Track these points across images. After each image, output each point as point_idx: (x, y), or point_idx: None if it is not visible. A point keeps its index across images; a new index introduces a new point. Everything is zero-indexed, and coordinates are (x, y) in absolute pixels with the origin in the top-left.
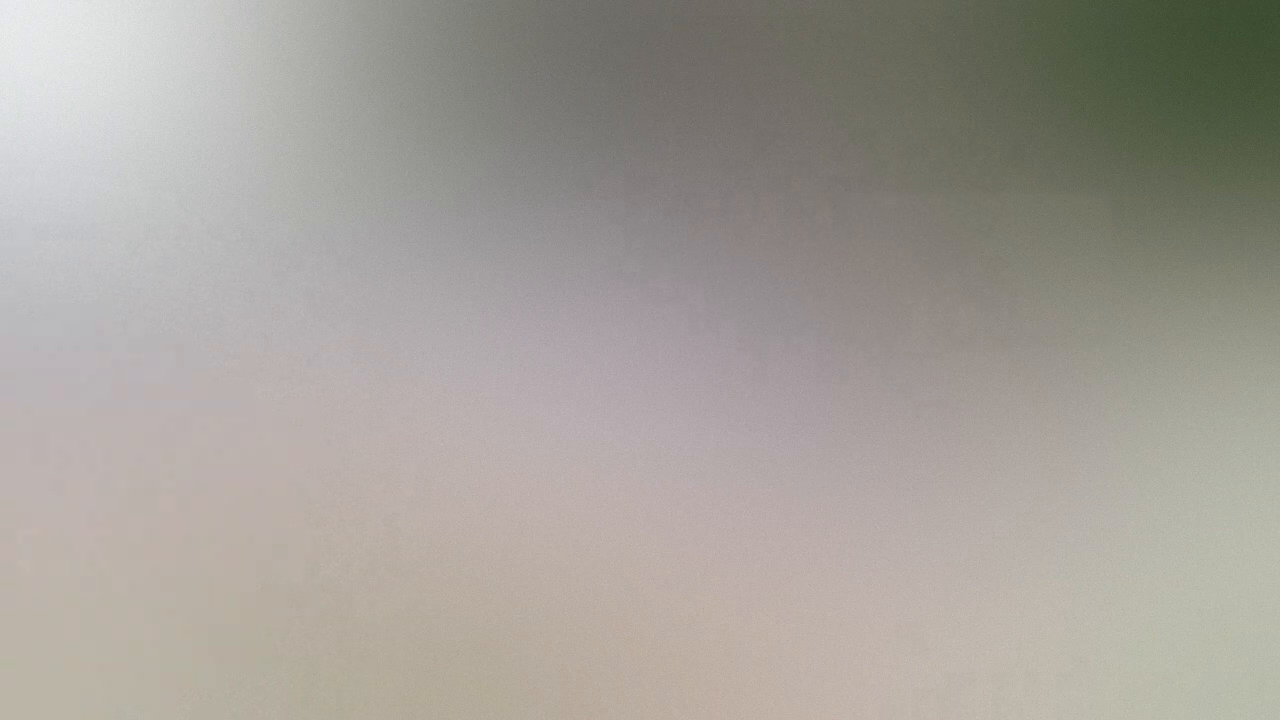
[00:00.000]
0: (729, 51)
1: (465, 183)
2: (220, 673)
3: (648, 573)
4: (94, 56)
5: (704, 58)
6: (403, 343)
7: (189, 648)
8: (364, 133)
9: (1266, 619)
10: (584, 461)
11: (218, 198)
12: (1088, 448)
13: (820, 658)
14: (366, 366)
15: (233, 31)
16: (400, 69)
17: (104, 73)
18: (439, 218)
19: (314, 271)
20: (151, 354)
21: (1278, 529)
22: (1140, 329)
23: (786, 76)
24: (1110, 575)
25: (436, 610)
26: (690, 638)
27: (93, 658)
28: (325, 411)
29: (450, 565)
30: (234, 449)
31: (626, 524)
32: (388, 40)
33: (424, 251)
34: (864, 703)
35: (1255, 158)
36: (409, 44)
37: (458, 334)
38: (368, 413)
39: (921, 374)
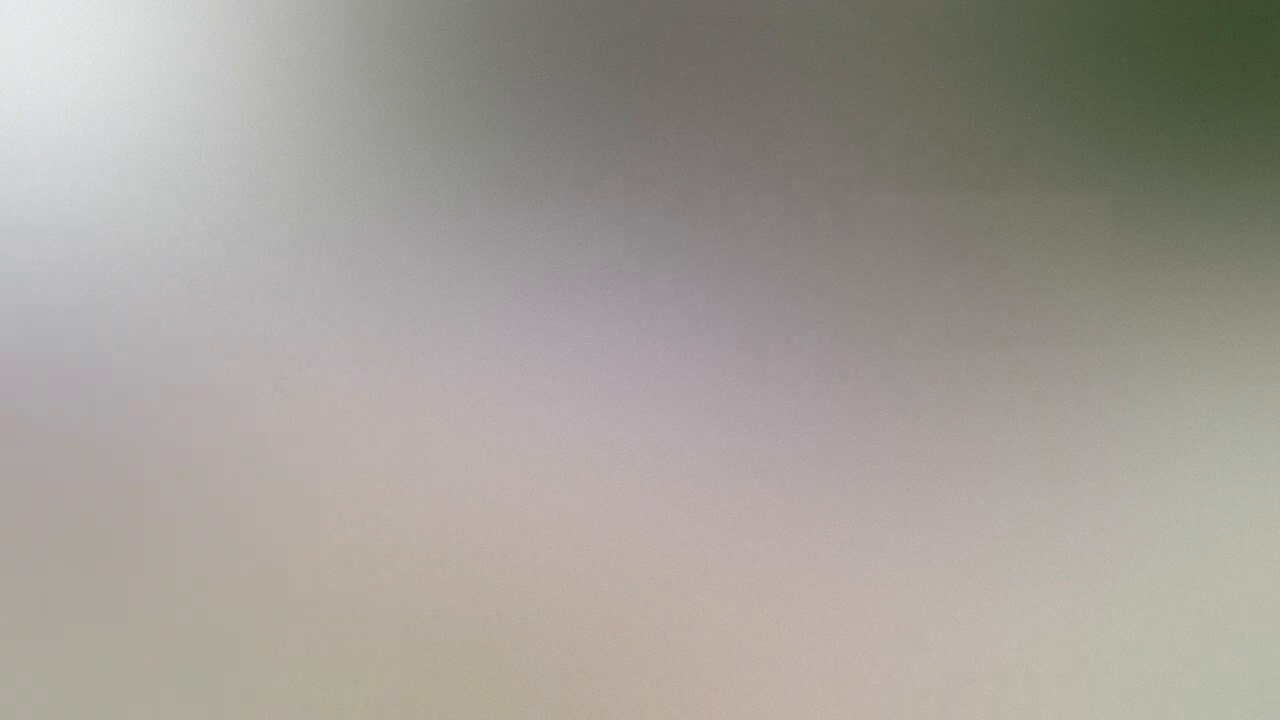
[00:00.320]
0: (729, 51)
1: (465, 183)
2: (220, 673)
3: (648, 573)
4: (94, 56)
5: (704, 58)
6: (403, 343)
7: (189, 648)
8: (364, 133)
9: (1266, 619)
10: (584, 461)
11: (218, 198)
12: (1088, 448)
13: (820, 658)
14: (366, 366)
15: (233, 32)
16: (400, 69)
17: (104, 73)
18: (439, 218)
19: (314, 271)
20: (151, 354)
21: (1278, 529)
22: (1140, 329)
23: (786, 76)
24: (1110, 575)
25: (436, 610)
26: (690, 638)
27: (92, 658)
28: (325, 411)
29: (450, 565)
30: (234, 449)
31: (626, 524)
32: (387, 40)
33: (424, 251)
34: (864, 703)
35: (1255, 158)
36: (409, 44)
37: (458, 334)
38: (368, 413)
39: (921, 374)
